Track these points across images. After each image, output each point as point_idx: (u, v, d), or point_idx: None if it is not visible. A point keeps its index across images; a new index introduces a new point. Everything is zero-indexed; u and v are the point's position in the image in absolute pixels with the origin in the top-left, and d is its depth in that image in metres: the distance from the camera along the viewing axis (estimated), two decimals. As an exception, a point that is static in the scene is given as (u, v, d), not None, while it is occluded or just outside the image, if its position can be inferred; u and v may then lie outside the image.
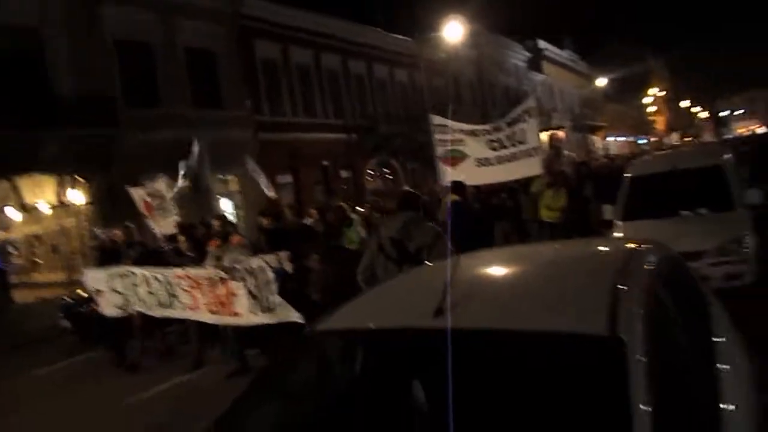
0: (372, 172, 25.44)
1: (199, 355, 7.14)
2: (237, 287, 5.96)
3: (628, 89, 56.55)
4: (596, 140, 49.51)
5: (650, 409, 1.44)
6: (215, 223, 7.53)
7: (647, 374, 1.51)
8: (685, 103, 74.65)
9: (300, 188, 20.72)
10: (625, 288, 1.87)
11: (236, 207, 18.76)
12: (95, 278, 7.76)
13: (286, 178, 20.30)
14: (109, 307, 7.60)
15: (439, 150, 8.91)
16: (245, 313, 5.98)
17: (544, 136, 35.49)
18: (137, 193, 10.16)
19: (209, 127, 16.59)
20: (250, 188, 18.55)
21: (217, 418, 2.05)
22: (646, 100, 60.37)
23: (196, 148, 11.45)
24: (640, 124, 61.74)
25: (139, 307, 7.29)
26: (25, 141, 13.14)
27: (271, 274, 5.61)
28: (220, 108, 18.13)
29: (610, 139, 53.79)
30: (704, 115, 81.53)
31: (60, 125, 13.57)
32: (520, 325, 1.77)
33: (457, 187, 6.99)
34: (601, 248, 2.96)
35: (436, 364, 1.86)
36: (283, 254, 5.59)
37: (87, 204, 14.86)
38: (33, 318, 11.79)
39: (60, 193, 14.56)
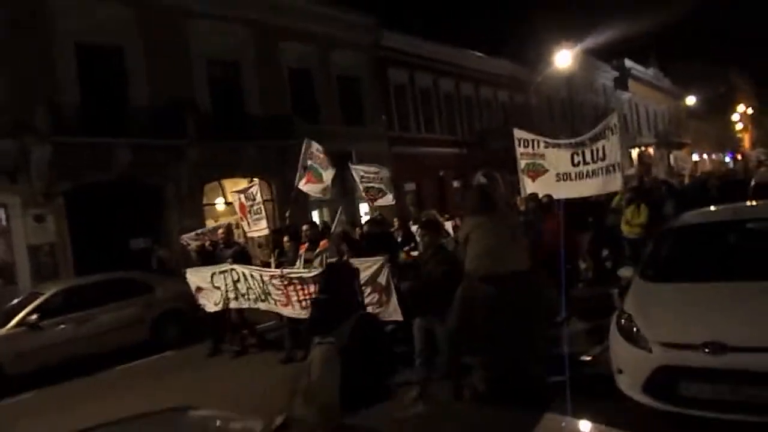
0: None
1: (291, 353, 7.27)
2: None
3: (713, 106, 56.47)
4: (681, 157, 49.87)
5: None
6: (305, 228, 7.81)
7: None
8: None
9: (421, 195, 23.57)
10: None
11: (371, 210, 21.78)
12: (197, 276, 8.21)
13: (411, 186, 23.25)
14: (209, 303, 8.09)
15: (522, 163, 9.16)
16: None
17: (634, 153, 36.90)
18: (234, 196, 10.36)
19: (355, 141, 19.77)
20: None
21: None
22: (733, 117, 59.87)
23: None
24: (726, 141, 61.17)
25: (239, 303, 7.69)
26: (228, 151, 16.70)
27: (368, 274, 5.96)
28: (363, 125, 21.31)
29: (695, 156, 53.87)
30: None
31: (252, 137, 17.09)
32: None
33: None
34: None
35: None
36: (384, 257, 6.06)
37: (267, 201, 18.24)
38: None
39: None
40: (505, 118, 29.84)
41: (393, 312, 5.88)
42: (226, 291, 7.72)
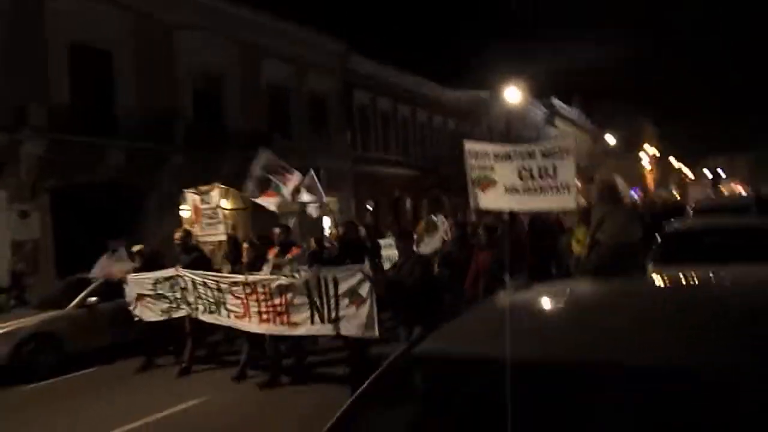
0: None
1: (243, 369, 6.87)
2: (297, 297, 5.91)
3: (626, 146, 62.25)
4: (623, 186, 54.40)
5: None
6: (277, 232, 7.32)
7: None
8: (675, 162, 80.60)
9: (379, 213, 24.84)
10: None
11: (334, 224, 22.74)
12: (139, 283, 7.61)
13: (371, 203, 24.48)
14: (148, 312, 7.54)
15: (473, 174, 9.02)
16: (304, 323, 5.92)
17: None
18: (191, 198, 10.52)
19: (322, 158, 20.76)
20: (346, 207, 22.69)
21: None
22: (640, 155, 66.16)
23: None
24: (634, 179, 67.38)
25: (186, 312, 7.11)
26: (208, 160, 17.17)
27: (347, 285, 5.59)
28: (329, 143, 22.36)
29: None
30: (689, 173, 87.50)
31: (230, 149, 17.67)
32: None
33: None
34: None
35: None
36: (365, 268, 5.72)
37: (237, 209, 18.78)
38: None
39: (222, 202, 18.43)
40: (453, 145, 31.90)
41: (369, 326, 5.45)
42: (175, 299, 7.17)
